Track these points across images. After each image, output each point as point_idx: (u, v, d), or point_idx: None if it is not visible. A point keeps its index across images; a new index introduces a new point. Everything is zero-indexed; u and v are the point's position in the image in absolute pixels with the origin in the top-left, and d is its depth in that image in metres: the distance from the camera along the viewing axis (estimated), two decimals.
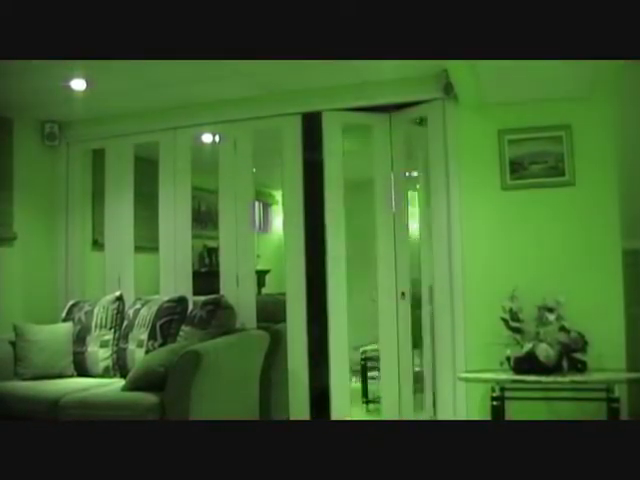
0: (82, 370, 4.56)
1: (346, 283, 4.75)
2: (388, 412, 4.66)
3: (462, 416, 4.22)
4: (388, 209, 4.74)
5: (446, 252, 4.36)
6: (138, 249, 5.32)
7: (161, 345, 4.33)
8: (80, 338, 4.64)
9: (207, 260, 7.54)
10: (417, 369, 4.86)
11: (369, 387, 5.66)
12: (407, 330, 4.68)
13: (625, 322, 3.93)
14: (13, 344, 4.51)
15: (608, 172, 4.03)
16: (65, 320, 4.79)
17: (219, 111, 4.97)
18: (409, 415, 4.59)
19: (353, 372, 5.29)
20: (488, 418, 3.81)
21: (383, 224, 4.75)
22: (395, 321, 4.69)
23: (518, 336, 3.81)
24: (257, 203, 7.95)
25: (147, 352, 4.33)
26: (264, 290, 7.37)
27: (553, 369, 3.62)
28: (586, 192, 4.08)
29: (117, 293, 4.84)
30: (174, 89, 4.65)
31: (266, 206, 9.00)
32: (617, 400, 3.55)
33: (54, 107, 5.00)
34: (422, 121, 4.64)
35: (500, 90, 4.00)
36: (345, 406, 4.65)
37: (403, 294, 4.67)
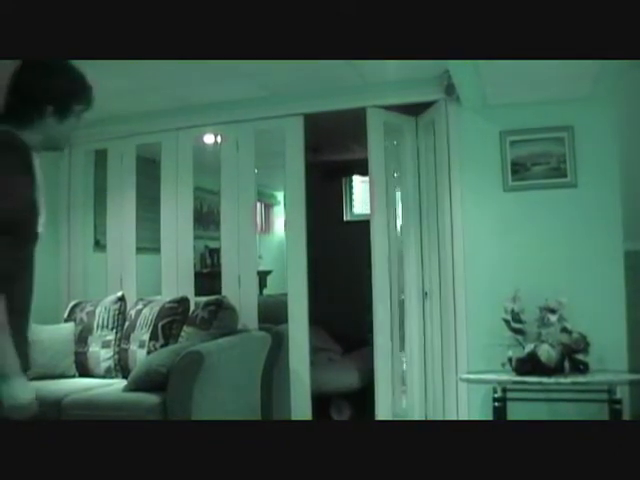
0: (84, 370, 4.57)
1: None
2: (416, 412, 4.63)
3: (464, 417, 4.22)
4: (413, 208, 4.73)
5: (448, 253, 4.36)
6: (140, 250, 5.32)
7: (163, 346, 4.33)
8: (82, 338, 4.64)
9: (209, 261, 7.54)
10: None
11: None
12: (433, 330, 4.60)
13: (627, 323, 3.93)
14: None
15: (610, 173, 4.03)
16: (67, 320, 4.80)
17: (221, 112, 4.97)
18: (437, 416, 4.54)
19: None
20: (490, 419, 3.81)
21: (409, 223, 4.74)
22: (421, 321, 4.66)
23: (520, 337, 3.81)
24: (259, 204, 7.96)
25: (149, 353, 4.33)
26: (266, 291, 7.38)
27: (555, 370, 3.62)
28: (588, 193, 4.08)
29: (119, 294, 4.84)
30: (176, 90, 4.66)
31: (268, 207, 9.01)
32: (619, 402, 3.55)
33: None
34: None
35: (502, 91, 4.00)
36: (388, 406, 4.58)
37: (426, 294, 4.64)
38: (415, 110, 4.69)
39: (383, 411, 4.48)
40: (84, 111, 2.18)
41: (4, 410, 1.87)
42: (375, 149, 4.62)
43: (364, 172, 7.78)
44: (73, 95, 2.15)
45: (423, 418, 4.55)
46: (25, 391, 1.89)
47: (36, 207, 1.91)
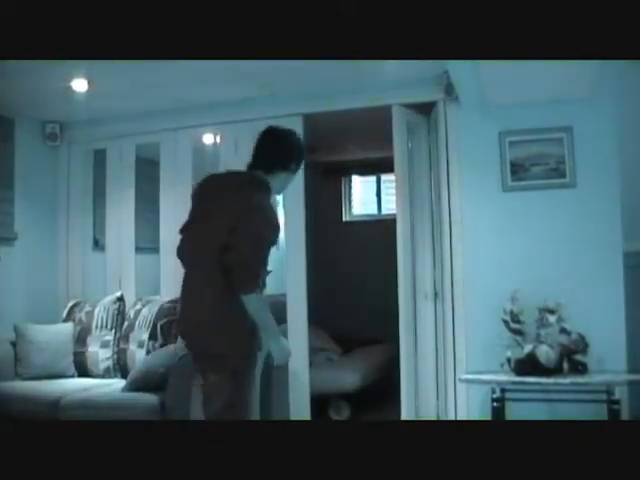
0: (83, 370, 4.57)
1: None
2: (430, 412, 4.59)
3: (462, 417, 4.21)
4: (425, 206, 4.69)
5: (447, 253, 4.35)
6: (139, 249, 5.32)
7: (162, 346, 4.33)
8: (81, 338, 4.64)
9: None
10: None
11: None
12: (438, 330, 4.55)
13: (626, 324, 3.92)
14: (14, 344, 4.51)
15: (609, 174, 4.01)
16: (66, 320, 4.80)
17: (220, 112, 4.97)
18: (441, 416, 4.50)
19: None
20: (488, 419, 3.81)
21: (420, 222, 4.69)
22: (433, 321, 4.62)
23: (519, 337, 3.81)
24: None
25: (148, 352, 4.34)
26: (265, 291, 7.36)
27: (554, 371, 3.62)
28: (587, 194, 4.07)
29: (118, 293, 4.84)
30: (175, 90, 4.65)
31: None
32: (617, 402, 3.54)
33: (55, 107, 5.00)
34: None
35: (501, 91, 4.00)
36: (412, 406, 4.50)
37: (436, 294, 4.61)
38: (427, 109, 4.66)
39: (408, 411, 4.41)
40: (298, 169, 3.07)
41: (276, 360, 2.91)
42: (400, 148, 4.54)
43: (363, 172, 7.83)
44: (302, 157, 3.06)
45: (435, 418, 4.53)
46: (287, 344, 3.01)
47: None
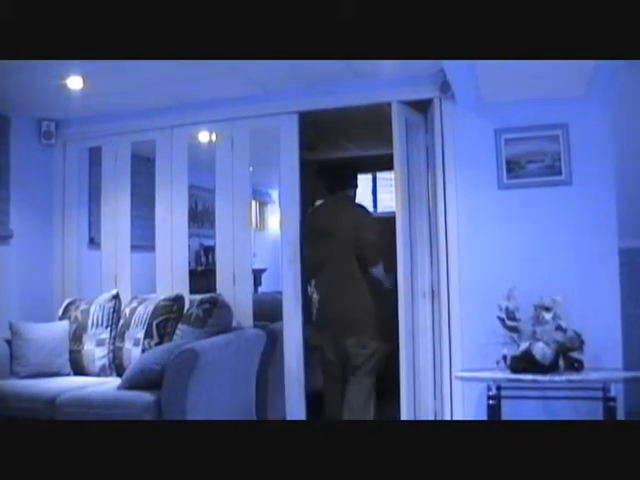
0: (78, 369, 4.56)
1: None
2: (429, 411, 4.55)
3: (458, 415, 4.22)
4: (423, 204, 4.66)
5: (443, 251, 4.35)
6: (134, 247, 5.31)
7: (157, 344, 4.32)
8: (76, 336, 4.63)
9: (204, 259, 7.53)
10: None
11: None
12: (440, 330, 4.47)
13: (621, 321, 3.93)
14: (9, 342, 4.50)
15: (605, 171, 4.02)
16: (61, 318, 4.79)
17: (216, 110, 4.96)
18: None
19: None
20: (484, 417, 3.81)
21: (418, 220, 4.65)
22: (430, 319, 4.60)
23: (515, 335, 3.81)
24: (254, 202, 7.95)
25: (143, 351, 4.33)
26: (261, 289, 7.37)
27: (549, 368, 3.62)
28: (583, 191, 4.08)
29: (113, 292, 4.83)
30: (171, 87, 4.64)
31: (262, 205, 9.01)
32: (613, 399, 3.55)
33: (51, 105, 4.98)
34: None
35: (497, 89, 4.00)
36: (411, 405, 4.44)
37: (433, 292, 4.59)
38: (425, 108, 4.65)
39: (408, 409, 4.36)
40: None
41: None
42: (399, 144, 4.48)
43: (359, 170, 7.80)
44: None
45: (433, 415, 4.52)
46: None
47: None
